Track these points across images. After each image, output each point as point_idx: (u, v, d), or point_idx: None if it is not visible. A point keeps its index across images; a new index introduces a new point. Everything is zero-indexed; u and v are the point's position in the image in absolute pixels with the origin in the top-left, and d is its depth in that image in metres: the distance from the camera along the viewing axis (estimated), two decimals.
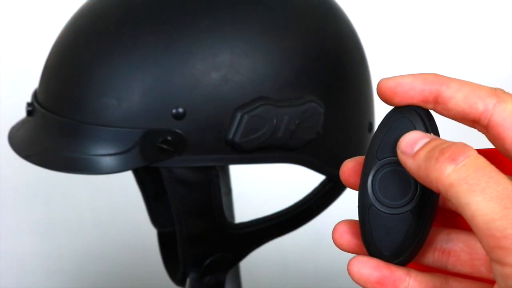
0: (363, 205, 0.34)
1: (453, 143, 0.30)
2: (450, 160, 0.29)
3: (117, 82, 0.55)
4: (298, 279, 1.16)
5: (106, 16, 0.58)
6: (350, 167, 0.36)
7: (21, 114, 0.63)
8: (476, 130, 0.33)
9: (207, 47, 0.54)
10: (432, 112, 0.33)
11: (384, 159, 0.33)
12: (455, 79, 0.32)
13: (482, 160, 0.29)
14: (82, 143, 0.55)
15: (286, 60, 0.56)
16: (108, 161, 0.55)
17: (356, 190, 0.35)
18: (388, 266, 0.33)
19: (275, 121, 0.55)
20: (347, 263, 0.34)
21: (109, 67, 0.55)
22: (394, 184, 0.33)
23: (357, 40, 0.64)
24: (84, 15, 0.60)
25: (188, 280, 0.64)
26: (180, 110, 0.54)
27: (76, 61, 0.57)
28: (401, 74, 0.33)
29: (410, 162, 0.31)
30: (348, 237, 0.35)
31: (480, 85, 0.32)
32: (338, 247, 0.36)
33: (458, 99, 0.32)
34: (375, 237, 0.33)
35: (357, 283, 0.34)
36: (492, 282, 0.32)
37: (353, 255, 0.34)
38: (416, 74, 0.33)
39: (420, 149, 0.31)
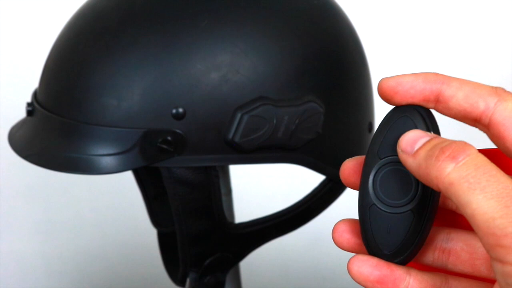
0: (364, 203, 0.33)
1: (453, 142, 0.30)
2: (451, 158, 0.29)
3: (117, 82, 0.55)
4: (298, 279, 1.16)
5: (106, 16, 0.58)
6: (350, 167, 0.36)
7: (21, 114, 0.63)
8: (477, 129, 0.33)
9: (207, 47, 0.54)
10: (433, 111, 0.33)
11: (385, 158, 0.33)
12: (456, 78, 0.32)
13: (482, 158, 0.29)
14: (82, 143, 0.55)
15: (286, 60, 0.56)
16: (108, 161, 0.54)
17: (356, 189, 0.35)
18: (388, 265, 0.33)
19: (275, 121, 0.55)
20: (347, 262, 0.34)
21: (109, 67, 0.55)
22: (395, 183, 0.33)
23: (357, 40, 0.64)
24: (84, 15, 0.60)
25: (188, 280, 0.64)
26: (180, 110, 0.54)
27: (76, 61, 0.57)
28: (401, 74, 0.33)
29: (411, 161, 0.31)
30: (348, 236, 0.35)
31: (481, 84, 0.32)
32: (338, 246, 0.36)
33: (459, 98, 0.32)
34: (375, 236, 0.33)
35: (357, 282, 0.34)
36: (492, 281, 0.32)
37: (353, 254, 0.34)
38: (417, 73, 0.33)
39: (420, 147, 0.31)
